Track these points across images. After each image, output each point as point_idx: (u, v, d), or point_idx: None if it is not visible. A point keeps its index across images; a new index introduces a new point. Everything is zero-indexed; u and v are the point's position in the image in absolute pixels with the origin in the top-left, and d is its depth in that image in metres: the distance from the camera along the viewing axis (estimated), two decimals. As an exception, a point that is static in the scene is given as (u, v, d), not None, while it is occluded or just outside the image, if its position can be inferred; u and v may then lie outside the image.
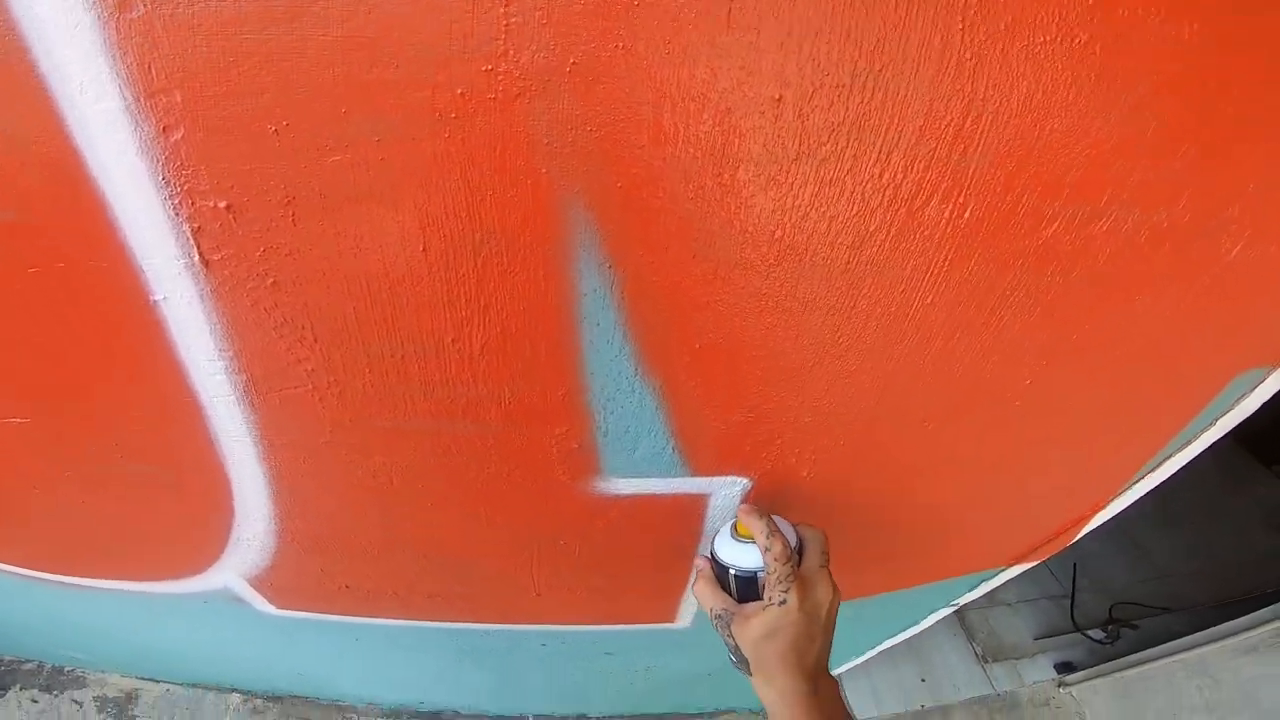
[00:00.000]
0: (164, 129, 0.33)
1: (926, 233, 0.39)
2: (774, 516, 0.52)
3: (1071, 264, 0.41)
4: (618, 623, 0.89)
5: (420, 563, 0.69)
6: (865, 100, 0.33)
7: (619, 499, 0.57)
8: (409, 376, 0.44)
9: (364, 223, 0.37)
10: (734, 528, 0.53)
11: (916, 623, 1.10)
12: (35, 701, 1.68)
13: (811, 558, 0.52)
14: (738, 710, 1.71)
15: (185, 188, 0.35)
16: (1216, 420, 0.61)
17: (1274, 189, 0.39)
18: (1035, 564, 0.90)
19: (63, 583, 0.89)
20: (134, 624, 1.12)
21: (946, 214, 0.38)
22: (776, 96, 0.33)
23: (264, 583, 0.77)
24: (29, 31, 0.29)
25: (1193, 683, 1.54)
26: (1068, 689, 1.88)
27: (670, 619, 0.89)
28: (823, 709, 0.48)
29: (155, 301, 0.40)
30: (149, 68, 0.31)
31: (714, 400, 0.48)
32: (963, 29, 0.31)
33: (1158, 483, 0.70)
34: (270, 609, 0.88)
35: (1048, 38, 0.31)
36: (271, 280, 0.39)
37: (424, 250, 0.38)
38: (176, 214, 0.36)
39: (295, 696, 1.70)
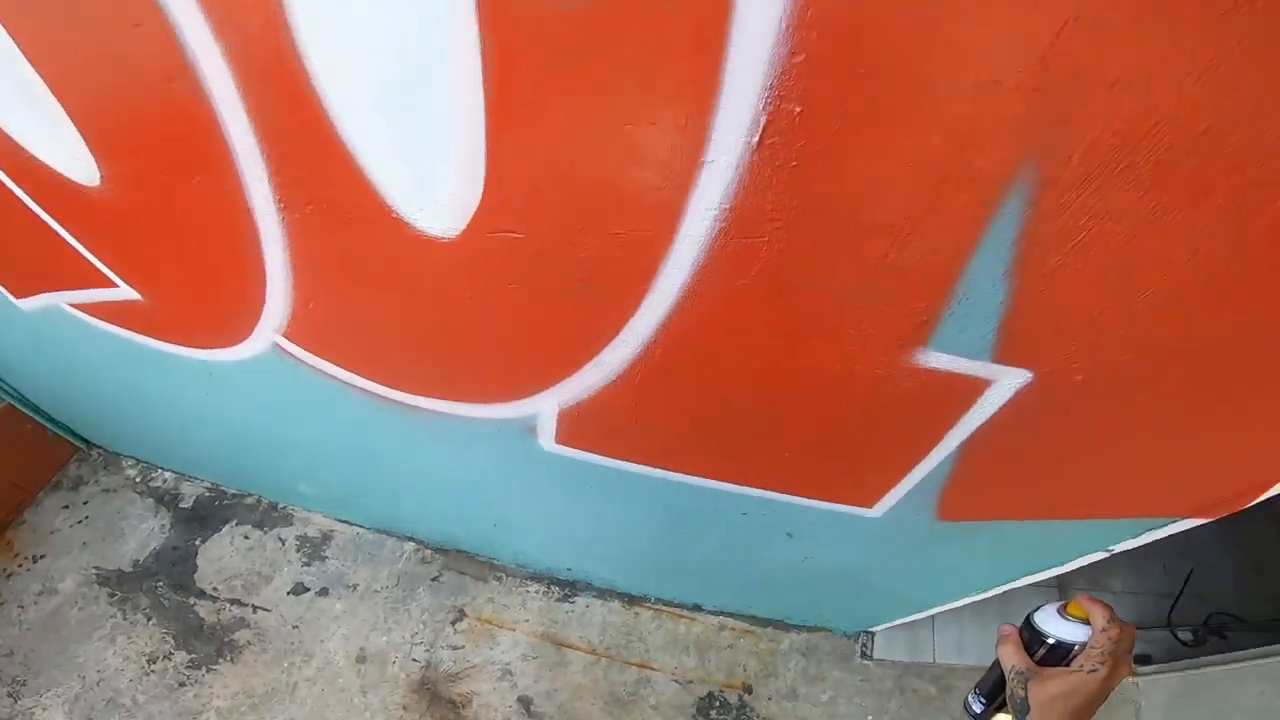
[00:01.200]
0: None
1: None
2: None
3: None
4: (824, 498, 1.10)
5: (719, 411, 0.91)
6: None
7: (921, 371, 0.76)
8: (842, 252, 0.64)
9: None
10: (1063, 608, 0.64)
11: (1067, 561, 1.25)
12: (246, 538, 2.05)
13: (1124, 643, 0.62)
14: (833, 630, 1.92)
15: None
16: None
17: None
18: (1199, 523, 1.02)
19: (391, 399, 1.16)
20: (404, 453, 1.42)
21: None
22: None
23: (573, 412, 1.01)
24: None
25: (1255, 688, 1.60)
26: (1136, 678, 1.99)
27: (868, 504, 1.09)
28: None
29: (704, 162, 0.61)
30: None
31: (1048, 305, 0.65)
32: None
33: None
34: (550, 444, 1.13)
35: None
36: (794, 164, 0.59)
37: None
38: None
39: (459, 551, 2.02)
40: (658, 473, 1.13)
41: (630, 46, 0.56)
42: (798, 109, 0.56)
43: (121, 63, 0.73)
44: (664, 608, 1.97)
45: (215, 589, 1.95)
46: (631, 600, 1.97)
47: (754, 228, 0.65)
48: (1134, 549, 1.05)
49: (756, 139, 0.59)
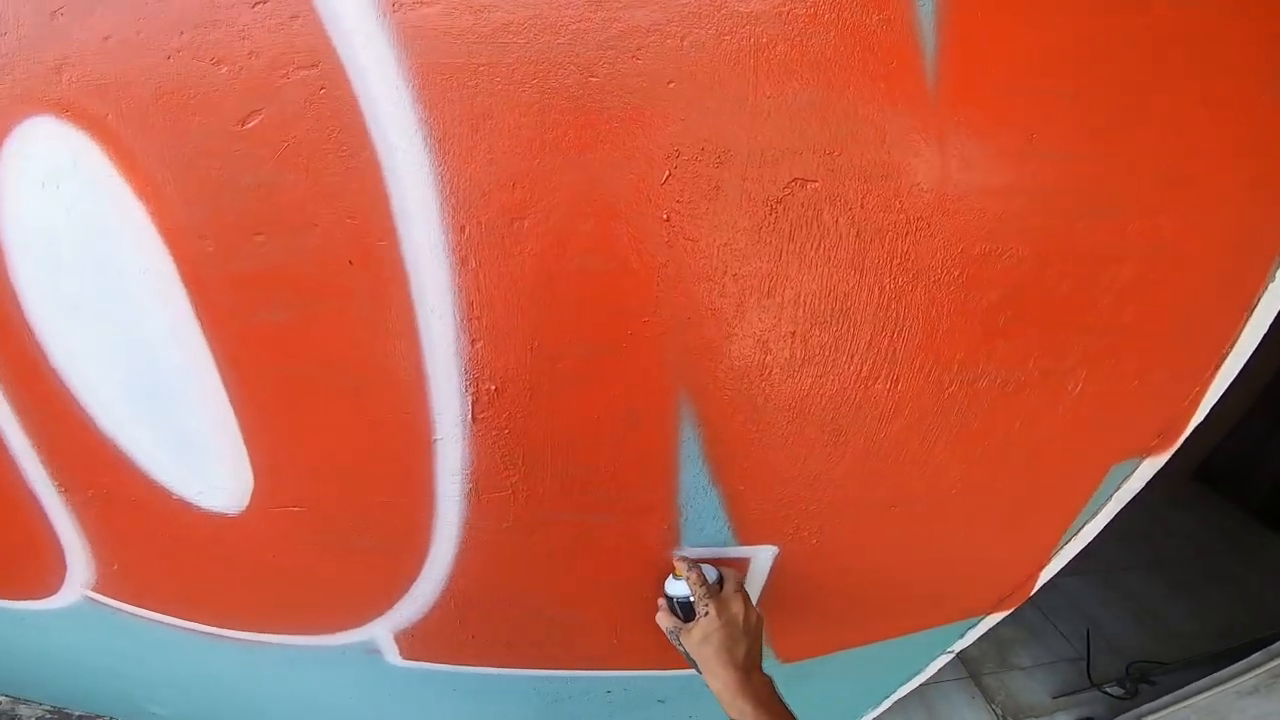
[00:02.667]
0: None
1: (877, 398, 0.72)
2: (700, 563, 0.79)
3: (967, 407, 0.74)
4: (670, 668, 1.17)
5: (537, 616, 0.98)
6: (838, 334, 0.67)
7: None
8: (572, 489, 0.77)
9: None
10: (673, 572, 0.81)
11: (923, 669, 1.36)
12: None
13: (728, 585, 0.76)
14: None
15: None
16: (1110, 498, 0.92)
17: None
18: (1010, 611, 1.18)
19: (222, 636, 1.17)
20: (253, 680, 1.39)
21: (887, 388, 0.71)
22: (790, 331, 0.67)
23: (407, 634, 1.06)
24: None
25: (1208, 726, 1.67)
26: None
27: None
28: (756, 693, 0.67)
29: (435, 439, 0.73)
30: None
31: (757, 498, 0.80)
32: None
33: (1084, 544, 1.00)
34: (397, 660, 1.16)
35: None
36: (506, 430, 0.72)
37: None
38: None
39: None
40: (514, 670, 1.17)
41: (349, 356, 0.69)
42: (493, 386, 0.70)
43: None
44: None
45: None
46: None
47: (496, 483, 0.79)
48: (1022, 624, 1.16)
49: (470, 415, 0.72)
